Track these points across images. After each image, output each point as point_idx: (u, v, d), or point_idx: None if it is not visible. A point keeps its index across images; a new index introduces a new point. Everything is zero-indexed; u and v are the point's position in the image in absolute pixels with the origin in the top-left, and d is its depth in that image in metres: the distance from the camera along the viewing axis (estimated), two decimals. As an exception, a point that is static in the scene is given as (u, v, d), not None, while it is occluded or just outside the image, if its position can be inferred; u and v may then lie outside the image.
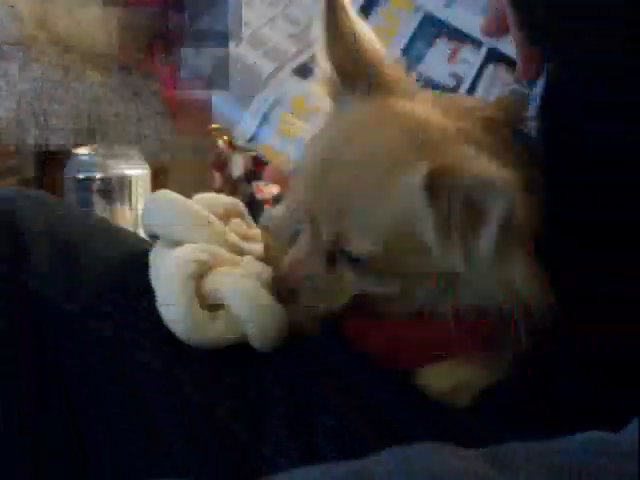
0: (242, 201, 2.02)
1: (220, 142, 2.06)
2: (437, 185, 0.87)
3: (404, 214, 0.89)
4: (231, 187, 2.05)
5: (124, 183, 1.54)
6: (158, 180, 3.14)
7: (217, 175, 2.08)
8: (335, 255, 0.94)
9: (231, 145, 2.04)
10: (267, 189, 1.99)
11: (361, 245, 0.91)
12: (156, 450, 0.96)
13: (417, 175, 0.88)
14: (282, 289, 0.95)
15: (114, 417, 0.97)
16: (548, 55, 0.97)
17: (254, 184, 2.01)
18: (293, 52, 1.16)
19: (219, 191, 2.07)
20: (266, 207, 1.99)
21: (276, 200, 1.95)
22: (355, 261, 0.92)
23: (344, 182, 0.90)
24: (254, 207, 2.01)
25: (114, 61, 1.77)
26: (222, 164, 2.06)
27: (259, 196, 2.00)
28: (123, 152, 1.58)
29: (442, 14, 1.16)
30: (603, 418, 0.81)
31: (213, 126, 2.04)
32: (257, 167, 2.00)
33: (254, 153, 2.01)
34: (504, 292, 0.90)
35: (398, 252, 0.91)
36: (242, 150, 2.02)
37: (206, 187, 2.24)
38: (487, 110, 0.96)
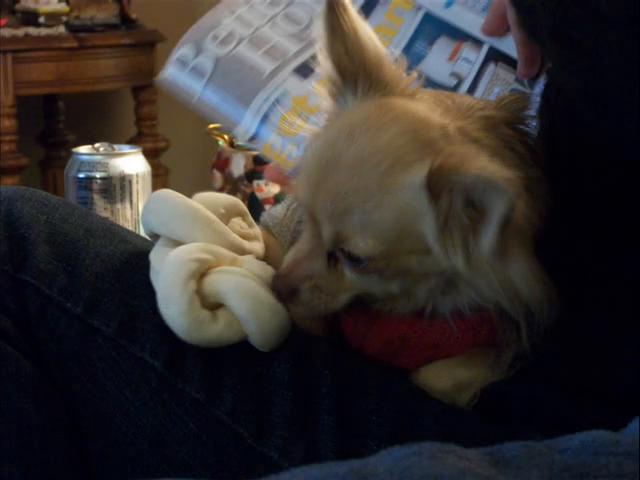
0: (243, 200, 2.04)
1: (221, 142, 2.06)
2: (437, 184, 0.87)
3: (404, 214, 0.89)
4: (232, 186, 2.04)
5: (125, 182, 1.54)
6: (158, 180, 3.15)
7: (218, 174, 2.08)
8: (336, 254, 0.93)
9: (232, 144, 2.04)
10: (268, 188, 1.99)
11: (361, 245, 0.90)
12: (157, 450, 0.96)
13: (418, 174, 0.88)
14: (282, 288, 0.95)
15: (114, 415, 0.97)
16: (549, 55, 0.97)
17: (255, 183, 2.01)
18: (294, 51, 1.15)
19: (220, 190, 2.07)
20: (267, 206, 1.99)
21: (277, 199, 1.95)
22: (356, 260, 0.92)
23: (345, 182, 0.90)
24: (255, 206, 2.01)
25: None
26: (223, 163, 2.06)
27: (260, 195, 2.00)
28: (124, 151, 1.58)
29: (442, 14, 1.16)
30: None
31: (213, 126, 2.04)
32: (258, 166, 2.00)
33: (255, 152, 2.02)
34: (505, 292, 0.90)
35: (399, 252, 0.91)
36: (243, 149, 2.02)
37: (207, 186, 2.24)
38: (488, 109, 0.96)
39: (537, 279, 0.91)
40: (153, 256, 1.00)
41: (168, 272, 0.95)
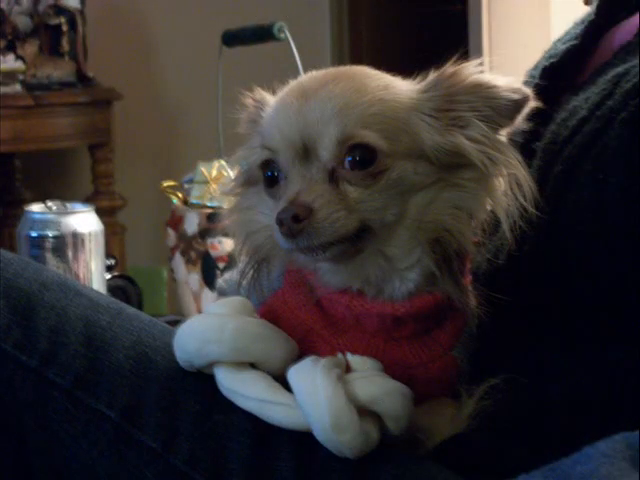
0: (197, 259, 2.03)
1: (175, 200, 2.07)
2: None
3: (400, 108, 0.96)
4: (185, 244, 2.04)
5: (77, 241, 1.54)
6: (114, 238, 3.15)
7: (172, 232, 2.08)
8: (336, 174, 0.94)
9: (185, 202, 2.04)
10: (222, 247, 1.99)
11: (368, 135, 0.93)
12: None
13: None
14: (291, 224, 0.92)
15: (70, 466, 0.97)
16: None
17: (209, 241, 2.01)
18: None
19: (174, 248, 2.07)
20: (220, 264, 1.99)
21: (230, 257, 1.95)
22: (362, 163, 0.94)
23: (335, 88, 0.95)
24: (209, 264, 2.01)
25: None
26: (177, 221, 2.06)
27: (214, 253, 2.00)
28: (77, 209, 1.58)
29: None
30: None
31: (168, 184, 2.05)
32: (211, 224, 2.00)
33: (208, 210, 2.02)
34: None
35: (398, 153, 0.95)
36: (196, 207, 2.02)
37: (162, 244, 2.24)
38: None
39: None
40: (233, 384, 0.96)
41: (328, 396, 0.91)
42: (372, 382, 0.94)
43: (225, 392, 0.96)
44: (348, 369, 0.96)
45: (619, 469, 0.77)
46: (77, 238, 1.54)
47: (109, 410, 0.97)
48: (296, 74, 1.04)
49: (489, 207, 0.98)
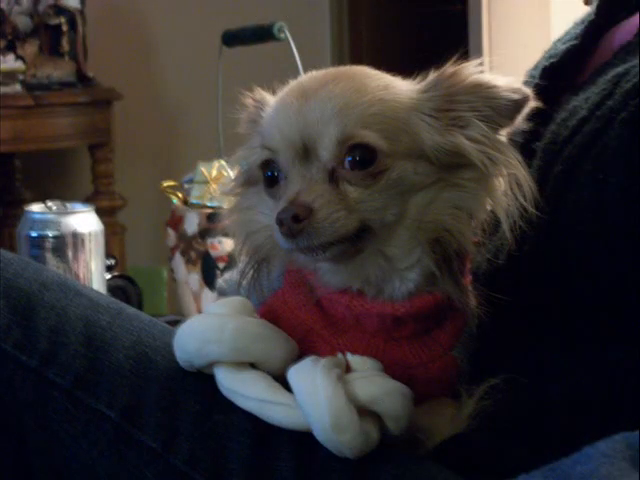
0: (197, 259, 2.03)
1: (175, 200, 2.07)
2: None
3: (400, 108, 0.96)
4: (185, 244, 2.04)
5: (77, 241, 1.54)
6: (114, 238, 3.15)
7: (172, 232, 2.08)
8: (336, 174, 0.94)
9: (185, 202, 2.04)
10: (222, 247, 1.99)
11: (368, 135, 0.93)
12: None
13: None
14: (291, 224, 0.92)
15: (70, 466, 0.97)
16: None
17: (209, 241, 2.01)
18: None
19: (174, 248, 2.07)
20: (220, 264, 1.99)
21: (230, 257, 1.95)
22: (362, 163, 0.93)
23: (335, 88, 0.95)
24: (209, 265, 2.01)
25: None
26: (177, 221, 2.06)
27: (214, 253, 2.00)
28: (77, 209, 1.58)
29: None
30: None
31: (167, 184, 2.04)
32: (211, 224, 2.00)
33: (208, 210, 2.02)
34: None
35: (398, 153, 0.95)
36: (196, 207, 2.02)
37: (162, 244, 2.24)
38: None
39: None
40: (233, 384, 0.96)
41: (328, 396, 0.90)
42: (372, 382, 0.94)
43: (225, 392, 0.96)
44: (348, 369, 0.96)
45: (619, 469, 0.77)
46: (77, 238, 1.54)
47: (109, 410, 0.97)
48: (296, 74, 1.04)
49: (489, 207, 0.98)
